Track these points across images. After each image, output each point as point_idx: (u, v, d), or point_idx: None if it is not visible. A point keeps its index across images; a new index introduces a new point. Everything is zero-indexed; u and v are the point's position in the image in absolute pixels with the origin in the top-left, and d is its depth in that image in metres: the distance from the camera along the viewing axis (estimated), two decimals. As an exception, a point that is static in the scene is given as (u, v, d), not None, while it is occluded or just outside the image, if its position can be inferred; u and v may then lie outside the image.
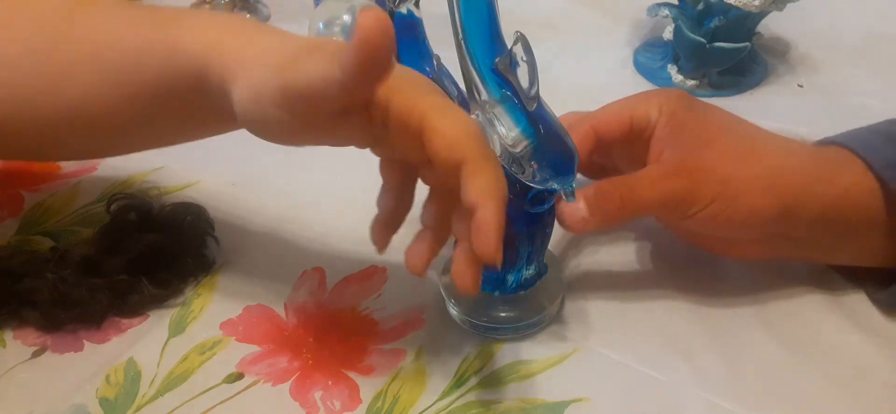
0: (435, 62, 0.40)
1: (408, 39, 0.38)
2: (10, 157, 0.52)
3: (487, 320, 0.41)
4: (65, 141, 0.42)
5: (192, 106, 0.37)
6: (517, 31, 0.33)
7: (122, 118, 0.39)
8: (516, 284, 0.41)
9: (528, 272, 0.40)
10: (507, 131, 0.34)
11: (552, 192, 0.37)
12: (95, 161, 0.55)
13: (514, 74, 0.33)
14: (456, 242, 0.34)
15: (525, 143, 0.34)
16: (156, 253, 0.44)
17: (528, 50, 0.32)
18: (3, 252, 0.46)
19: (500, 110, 0.34)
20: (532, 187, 0.36)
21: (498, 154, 0.34)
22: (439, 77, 0.39)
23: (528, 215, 0.38)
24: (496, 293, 0.41)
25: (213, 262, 0.46)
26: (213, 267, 0.46)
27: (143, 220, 0.46)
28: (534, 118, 0.34)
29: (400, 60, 0.37)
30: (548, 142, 0.35)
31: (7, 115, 0.39)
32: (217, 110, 0.35)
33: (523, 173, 0.35)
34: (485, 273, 0.41)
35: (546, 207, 0.38)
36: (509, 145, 0.34)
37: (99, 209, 0.51)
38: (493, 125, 0.34)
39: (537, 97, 0.34)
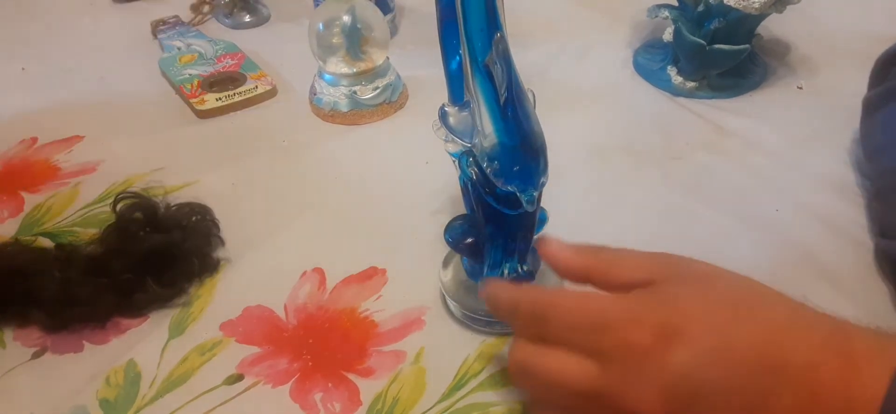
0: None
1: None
2: None
3: (484, 315, 0.41)
4: None
5: None
6: (498, 34, 0.33)
7: None
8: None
9: (508, 270, 0.41)
10: (482, 125, 0.35)
11: (514, 195, 0.37)
12: (95, 162, 0.56)
13: (495, 74, 0.34)
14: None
15: (494, 141, 0.35)
16: (162, 253, 0.44)
17: (501, 54, 0.33)
18: (9, 250, 0.46)
19: (482, 103, 0.35)
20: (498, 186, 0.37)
21: (474, 144, 0.36)
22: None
23: (500, 215, 0.38)
24: (477, 282, 0.42)
25: (218, 262, 0.46)
26: (218, 267, 0.46)
27: (149, 219, 0.46)
28: (509, 122, 0.35)
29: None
30: (518, 148, 0.36)
31: None
32: None
33: (489, 169, 0.36)
34: (469, 265, 0.42)
35: (517, 212, 0.38)
36: (482, 138, 0.36)
37: (99, 210, 0.51)
38: (474, 115, 0.36)
39: (510, 100, 0.35)
